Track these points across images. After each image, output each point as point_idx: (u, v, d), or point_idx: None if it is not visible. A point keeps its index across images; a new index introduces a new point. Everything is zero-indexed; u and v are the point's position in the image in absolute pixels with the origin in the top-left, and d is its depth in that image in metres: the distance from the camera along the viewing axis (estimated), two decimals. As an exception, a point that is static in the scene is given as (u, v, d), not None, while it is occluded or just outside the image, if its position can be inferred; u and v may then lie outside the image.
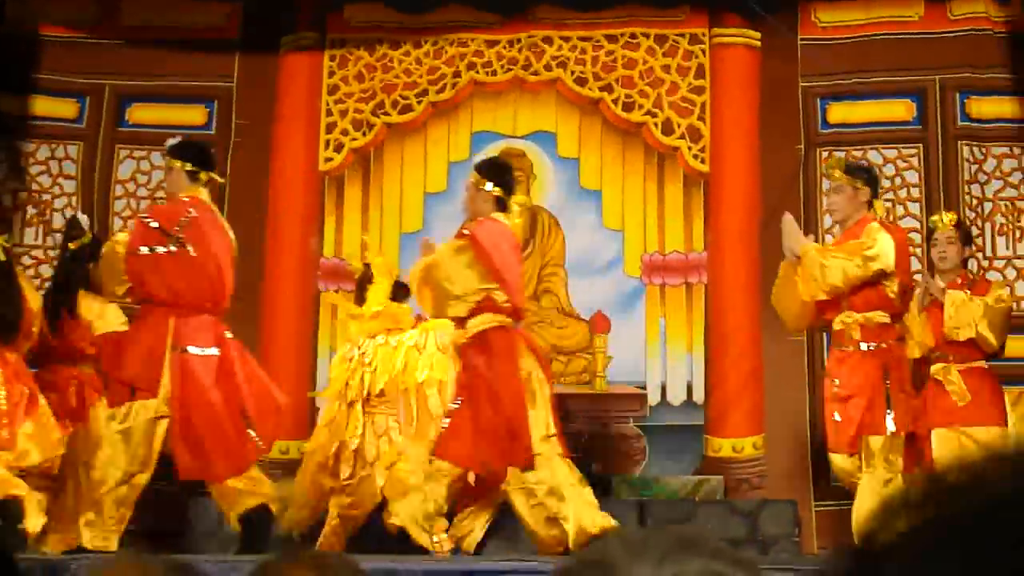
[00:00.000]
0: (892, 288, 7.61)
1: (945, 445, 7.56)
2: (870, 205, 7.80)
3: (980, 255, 9.76)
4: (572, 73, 10.65)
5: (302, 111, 10.80)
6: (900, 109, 10.26)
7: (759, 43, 10.48)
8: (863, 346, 7.58)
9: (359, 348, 8.63)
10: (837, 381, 7.66)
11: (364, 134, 10.73)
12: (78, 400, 8.45)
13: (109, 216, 10.45)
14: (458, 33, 10.81)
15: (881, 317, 7.60)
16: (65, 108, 10.65)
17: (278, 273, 10.49)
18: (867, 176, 8.00)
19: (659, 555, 1.16)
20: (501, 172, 8.04)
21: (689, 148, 10.42)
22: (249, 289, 10.17)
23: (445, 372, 8.33)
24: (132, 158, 10.62)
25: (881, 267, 7.50)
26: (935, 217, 8.30)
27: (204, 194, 7.75)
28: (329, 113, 10.80)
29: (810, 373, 9.81)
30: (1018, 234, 9.89)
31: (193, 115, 10.74)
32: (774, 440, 9.80)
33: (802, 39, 10.41)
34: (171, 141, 8.03)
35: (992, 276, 9.73)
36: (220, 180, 8.23)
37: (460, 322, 7.71)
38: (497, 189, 7.81)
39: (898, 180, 10.10)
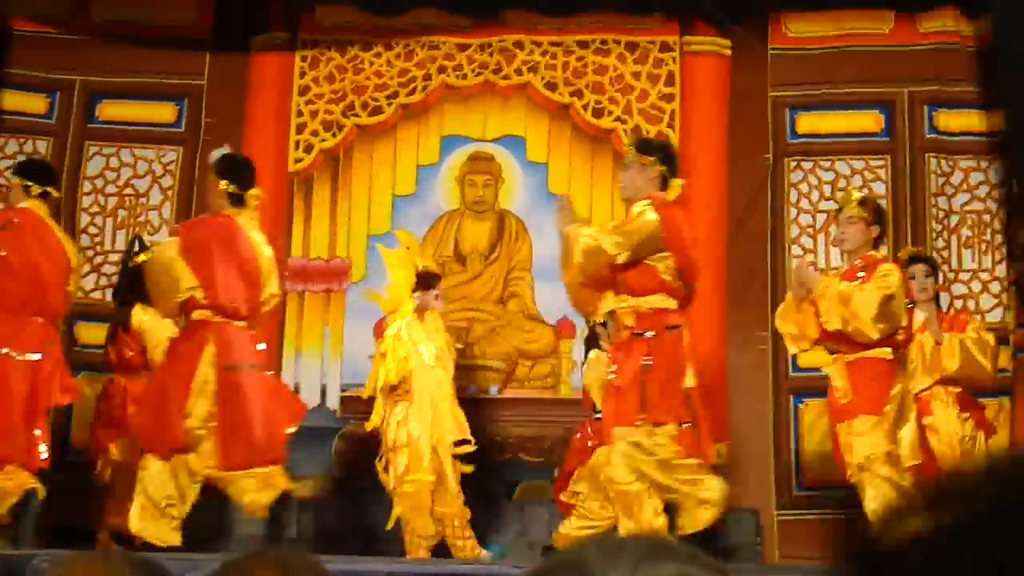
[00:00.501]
0: (665, 270, 7.07)
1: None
2: (665, 184, 7.24)
3: (946, 267, 9.79)
4: (542, 78, 10.66)
5: (272, 111, 10.78)
6: (869, 121, 10.29)
7: (729, 52, 10.51)
8: (641, 333, 7.04)
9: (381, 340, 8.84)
10: (613, 367, 7.17)
11: (334, 135, 10.72)
12: (121, 410, 8.98)
13: (76, 212, 10.42)
14: (429, 36, 10.80)
15: (660, 301, 7.06)
16: (35, 103, 10.61)
17: (245, 272, 10.45)
18: (661, 154, 7.36)
19: (634, 560, 1.18)
20: (236, 168, 7.98)
21: (658, 155, 10.44)
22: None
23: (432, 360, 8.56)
24: (101, 155, 10.60)
25: (630, 246, 6.98)
26: (841, 195, 8.05)
27: (38, 207, 7.97)
28: (299, 113, 10.78)
29: (774, 382, 9.85)
30: (984, 247, 9.93)
31: (163, 112, 10.72)
32: (737, 449, 9.77)
33: (772, 49, 10.44)
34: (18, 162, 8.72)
35: (957, 289, 9.77)
36: (56, 195, 8.36)
37: (182, 316, 7.80)
38: (231, 186, 7.77)
39: (866, 191, 10.12)
